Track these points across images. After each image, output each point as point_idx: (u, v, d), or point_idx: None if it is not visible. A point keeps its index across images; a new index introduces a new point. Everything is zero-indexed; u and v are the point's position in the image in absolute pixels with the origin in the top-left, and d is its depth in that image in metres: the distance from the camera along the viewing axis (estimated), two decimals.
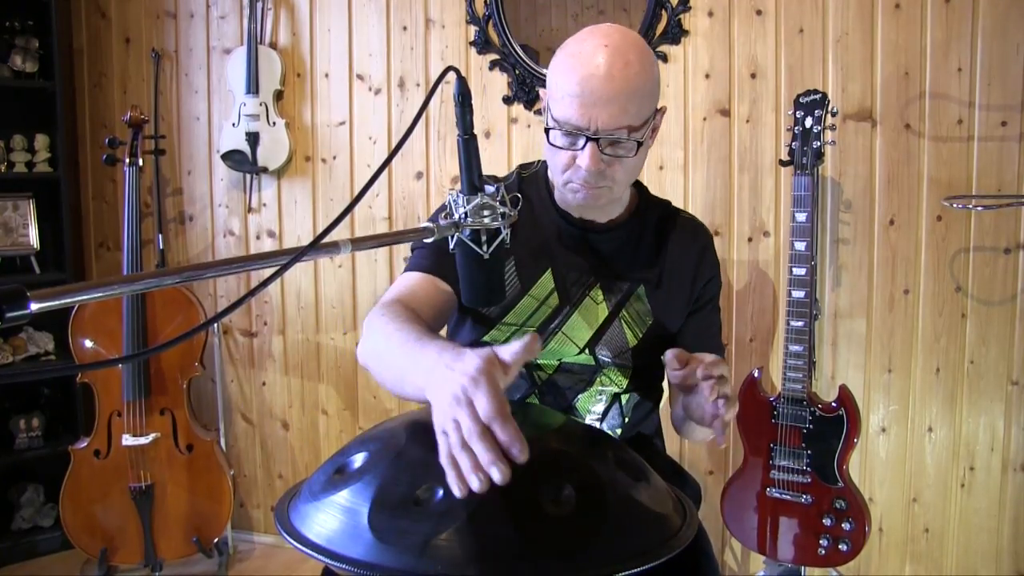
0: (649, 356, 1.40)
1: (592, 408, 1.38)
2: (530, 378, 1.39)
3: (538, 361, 1.38)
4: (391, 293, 1.29)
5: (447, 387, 0.83)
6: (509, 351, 0.86)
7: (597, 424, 1.40)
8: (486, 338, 1.38)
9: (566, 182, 1.26)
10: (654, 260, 1.39)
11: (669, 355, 1.10)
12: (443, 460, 0.80)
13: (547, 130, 1.24)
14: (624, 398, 1.41)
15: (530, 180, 1.43)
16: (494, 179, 1.41)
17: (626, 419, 1.41)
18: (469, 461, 0.78)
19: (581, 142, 1.19)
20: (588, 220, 1.37)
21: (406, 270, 1.36)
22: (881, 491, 2.25)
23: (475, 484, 0.77)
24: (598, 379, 1.39)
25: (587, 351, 1.36)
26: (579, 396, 1.39)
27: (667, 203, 1.47)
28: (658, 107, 1.26)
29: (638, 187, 1.44)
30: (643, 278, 1.37)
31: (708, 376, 1.06)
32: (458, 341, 1.43)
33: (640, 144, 1.21)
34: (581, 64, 1.17)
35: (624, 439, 1.41)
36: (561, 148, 1.22)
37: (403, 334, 1.07)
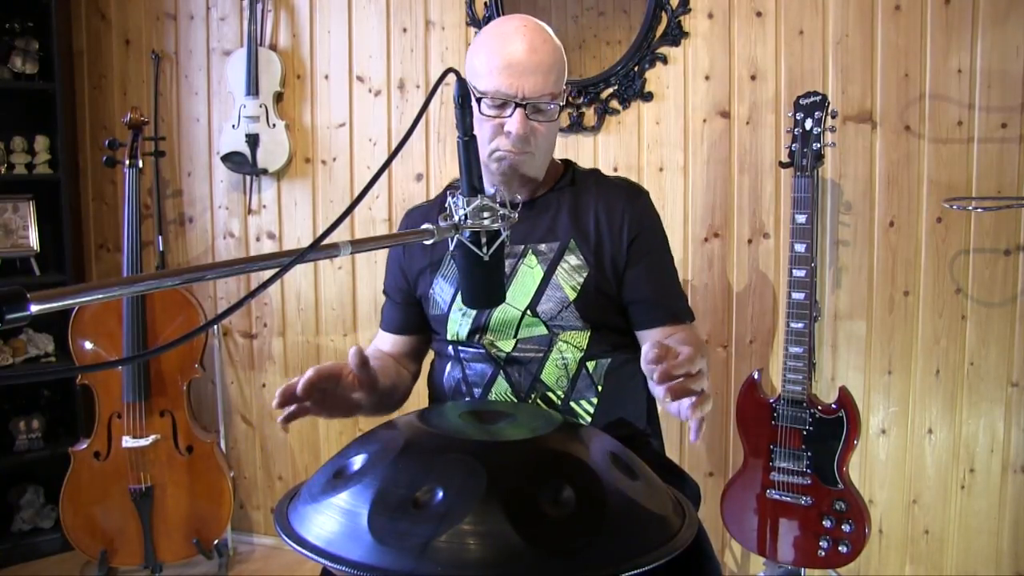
0: (597, 310, 1.42)
1: (559, 378, 1.40)
2: (490, 358, 1.42)
3: (495, 342, 1.42)
4: (374, 344, 1.63)
5: None
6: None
7: (569, 395, 1.40)
8: (449, 336, 1.47)
9: (493, 151, 1.38)
10: (581, 217, 1.45)
11: (645, 349, 1.06)
12: None
13: (478, 100, 1.35)
14: (591, 365, 1.41)
15: (457, 186, 1.50)
16: (425, 202, 1.62)
17: (599, 388, 1.41)
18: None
19: (510, 110, 1.34)
20: (512, 199, 1.43)
21: (380, 324, 1.63)
22: (881, 493, 2.25)
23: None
24: (556, 346, 1.41)
25: (529, 312, 1.41)
26: (544, 367, 1.40)
27: (596, 170, 1.56)
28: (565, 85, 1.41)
29: (566, 163, 1.55)
30: (573, 234, 1.44)
31: (668, 375, 1.02)
32: (439, 340, 1.53)
33: (561, 108, 1.38)
34: (506, 42, 1.34)
35: (603, 413, 1.41)
36: (491, 117, 1.36)
37: None
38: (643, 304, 1.44)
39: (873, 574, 2.28)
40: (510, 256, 1.43)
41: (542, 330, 1.41)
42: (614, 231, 1.44)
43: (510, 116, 1.33)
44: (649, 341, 1.12)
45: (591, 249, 1.42)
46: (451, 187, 1.57)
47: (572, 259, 1.42)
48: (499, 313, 1.42)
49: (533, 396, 1.40)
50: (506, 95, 1.32)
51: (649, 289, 1.44)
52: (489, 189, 1.45)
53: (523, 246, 1.44)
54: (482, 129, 1.37)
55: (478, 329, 1.43)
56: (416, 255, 1.54)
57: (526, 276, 1.42)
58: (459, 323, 1.44)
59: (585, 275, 1.41)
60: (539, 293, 1.41)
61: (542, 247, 1.43)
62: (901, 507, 2.24)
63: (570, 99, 1.43)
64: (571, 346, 1.41)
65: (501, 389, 1.41)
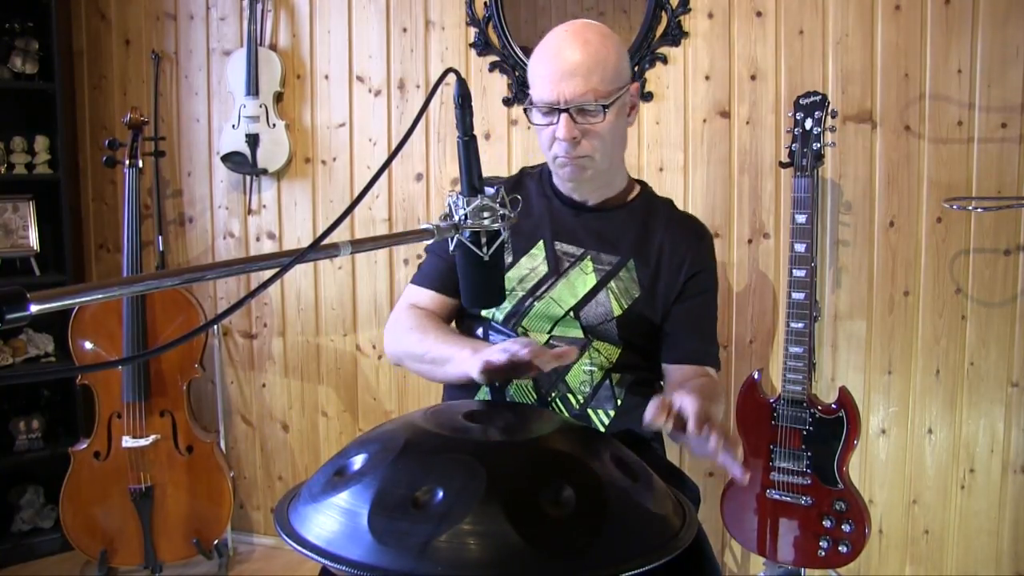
0: (635, 331, 1.44)
1: (582, 382, 1.42)
2: None
3: (528, 333, 1.44)
4: (409, 300, 1.53)
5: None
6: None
7: (587, 402, 1.42)
8: (483, 312, 1.47)
9: (554, 158, 1.40)
10: (647, 241, 1.47)
11: (650, 410, 1.11)
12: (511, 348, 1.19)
13: (526, 111, 1.40)
14: (616, 377, 1.43)
15: (531, 174, 1.57)
16: (496, 178, 1.56)
17: (619, 401, 1.43)
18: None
19: (556, 116, 1.35)
20: (581, 201, 1.49)
21: (414, 279, 1.55)
22: (881, 493, 2.25)
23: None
24: (588, 352, 1.42)
25: (572, 314, 1.43)
26: (571, 368, 1.42)
27: (669, 200, 1.56)
28: (630, 84, 1.40)
29: (642, 185, 1.55)
30: (634, 254, 1.45)
31: (700, 428, 1.07)
32: (468, 315, 1.55)
33: (606, 108, 1.33)
34: (547, 49, 1.36)
35: (618, 426, 1.42)
36: (542, 125, 1.38)
37: (442, 331, 1.42)
38: (677, 338, 1.47)
39: (873, 574, 2.28)
40: (568, 256, 1.45)
41: (578, 332, 1.43)
42: (675, 264, 1.45)
43: (557, 122, 1.35)
44: (666, 385, 1.15)
45: (649, 274, 1.44)
46: (525, 172, 1.59)
47: (627, 278, 1.44)
48: (542, 305, 1.43)
49: (554, 395, 1.42)
50: (548, 102, 1.34)
51: (688, 327, 1.47)
52: (568, 195, 1.49)
53: (583, 250, 1.45)
54: (541, 138, 1.40)
55: (516, 315, 1.44)
56: None
57: (577, 279, 1.44)
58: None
59: (636, 296, 1.43)
60: (586, 299, 1.43)
61: (602, 256, 1.45)
62: (901, 507, 2.24)
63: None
64: (601, 355, 1.43)
65: (524, 382, 1.42)
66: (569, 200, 1.49)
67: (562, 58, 1.33)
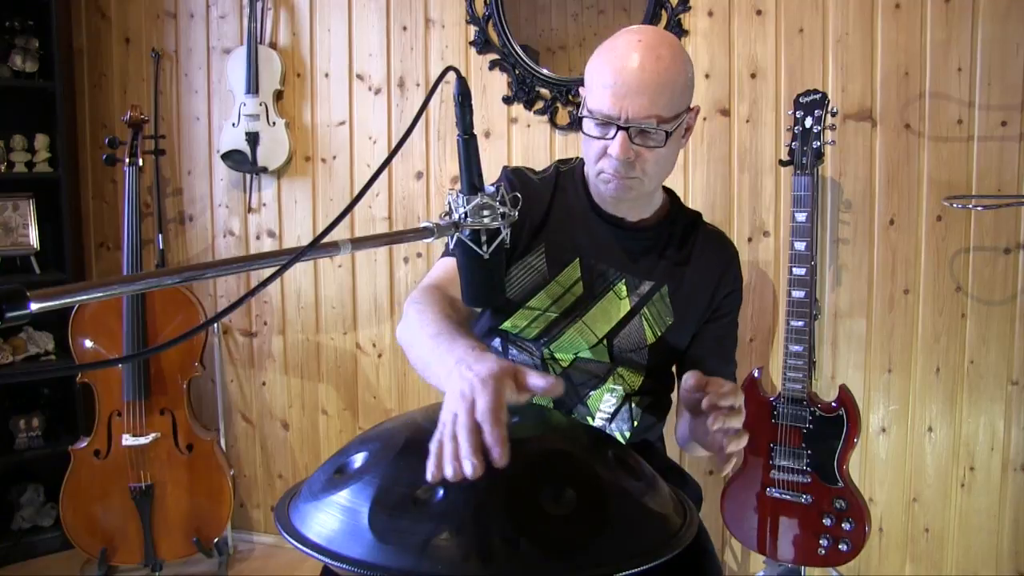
0: (664, 357, 1.41)
1: (603, 406, 1.39)
2: (545, 370, 1.39)
3: (555, 354, 1.40)
4: (431, 278, 1.35)
5: (459, 383, 0.89)
6: (534, 377, 0.91)
7: (606, 424, 1.40)
8: (507, 324, 1.39)
9: (599, 172, 1.30)
10: (680, 264, 1.41)
11: (687, 376, 1.09)
12: (431, 445, 0.85)
13: (581, 119, 1.28)
14: (636, 400, 1.41)
15: (567, 174, 1.46)
16: (532, 171, 1.46)
17: (635, 423, 1.41)
18: (451, 449, 0.83)
19: (612, 131, 1.23)
20: (619, 217, 1.40)
21: (445, 255, 1.40)
22: (881, 491, 2.25)
23: (448, 471, 0.82)
24: (612, 377, 1.40)
25: (604, 342, 1.38)
26: (591, 392, 1.40)
27: (698, 214, 1.49)
28: (691, 106, 1.30)
29: (671, 195, 1.48)
30: (668, 279, 1.39)
31: (715, 406, 1.05)
32: (481, 324, 1.45)
33: (668, 135, 1.24)
34: (615, 58, 1.23)
35: (630, 444, 1.41)
36: (594, 137, 1.27)
37: (437, 326, 1.11)
38: (699, 359, 1.43)
39: (873, 573, 2.28)
40: (602, 277, 1.39)
41: (604, 358, 1.39)
42: (707, 288, 1.42)
43: (612, 138, 1.24)
44: (689, 374, 1.11)
45: (681, 302, 1.40)
46: (561, 171, 1.46)
47: (660, 305, 1.39)
48: (575, 331, 1.38)
49: (573, 415, 1.39)
50: (608, 116, 1.23)
51: (712, 348, 1.44)
52: (606, 209, 1.40)
53: (618, 273, 1.39)
54: (589, 148, 1.30)
55: (546, 336, 1.39)
56: (524, 212, 1.37)
57: (611, 304, 1.38)
58: (530, 319, 1.39)
59: (668, 323, 1.39)
60: (620, 326, 1.38)
61: (636, 281, 1.39)
62: (901, 505, 2.24)
63: (690, 120, 1.33)
64: (625, 381, 1.40)
65: (543, 400, 1.38)
66: (606, 215, 1.40)
67: (630, 71, 1.20)
